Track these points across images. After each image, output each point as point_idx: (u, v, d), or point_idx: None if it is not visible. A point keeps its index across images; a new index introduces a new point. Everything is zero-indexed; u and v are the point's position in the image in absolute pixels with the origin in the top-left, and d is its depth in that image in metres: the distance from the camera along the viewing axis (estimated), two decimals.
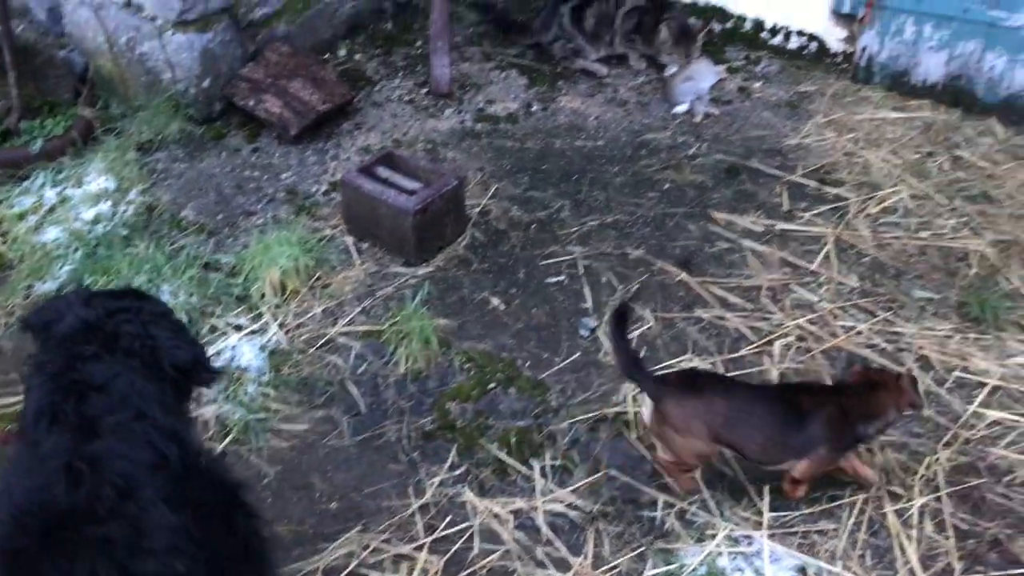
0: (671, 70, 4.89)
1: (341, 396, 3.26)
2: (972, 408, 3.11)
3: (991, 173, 4.19)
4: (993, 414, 3.08)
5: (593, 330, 3.47)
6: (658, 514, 2.85)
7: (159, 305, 2.40)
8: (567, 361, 3.36)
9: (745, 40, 5.24)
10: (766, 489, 2.85)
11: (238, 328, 3.49)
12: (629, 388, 3.22)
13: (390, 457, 3.05)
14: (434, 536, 2.79)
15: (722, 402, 2.68)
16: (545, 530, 2.81)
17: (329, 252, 3.81)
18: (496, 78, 5.05)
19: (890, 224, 3.93)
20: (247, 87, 4.53)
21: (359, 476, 3.00)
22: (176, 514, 1.83)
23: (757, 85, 4.91)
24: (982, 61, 4.50)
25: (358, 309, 3.57)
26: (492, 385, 3.28)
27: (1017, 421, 3.08)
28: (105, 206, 4.08)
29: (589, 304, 3.59)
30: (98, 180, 4.19)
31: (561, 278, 3.72)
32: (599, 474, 2.96)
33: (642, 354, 3.27)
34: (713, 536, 2.75)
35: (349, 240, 3.89)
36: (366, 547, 2.76)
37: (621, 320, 2.78)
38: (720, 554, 2.70)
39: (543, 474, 2.98)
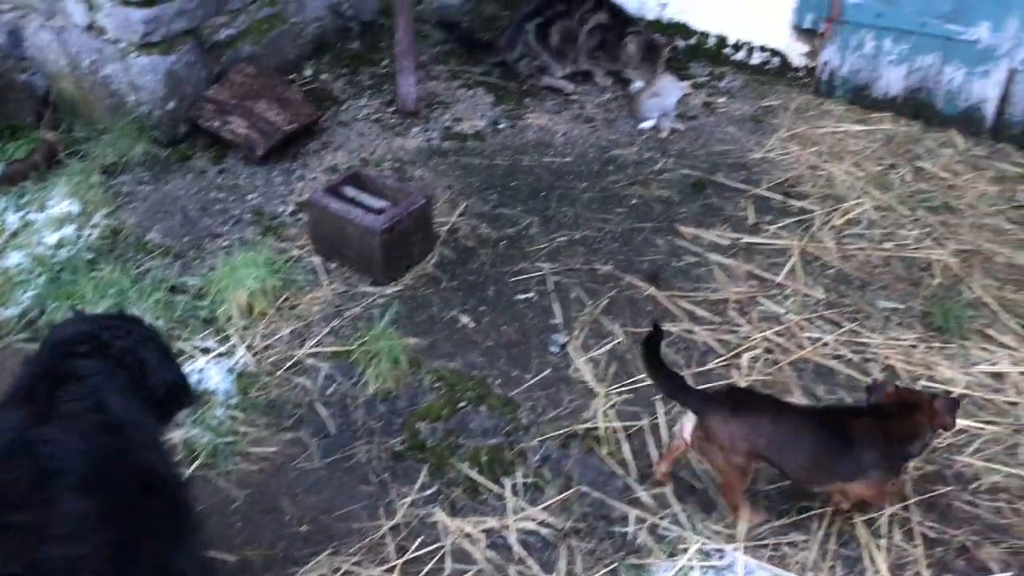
0: (637, 86, 4.93)
1: (310, 418, 3.24)
2: None
3: (952, 184, 4.26)
4: (958, 422, 3.10)
5: (563, 346, 3.48)
6: (630, 529, 2.85)
7: (149, 329, 2.53)
8: (537, 378, 3.37)
9: (709, 56, 5.30)
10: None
11: (205, 351, 3.46)
12: (599, 404, 3.23)
13: (360, 478, 3.03)
14: (406, 557, 2.77)
15: (767, 424, 2.66)
16: (517, 548, 2.80)
17: (296, 273, 3.79)
18: (463, 96, 5.06)
19: (854, 236, 3.97)
20: (212, 108, 4.51)
21: (329, 498, 2.98)
22: (87, 500, 1.90)
23: (721, 100, 4.96)
24: (941, 74, 4.57)
25: (326, 330, 3.55)
26: (462, 404, 3.27)
27: (982, 429, 3.11)
28: (69, 230, 4.04)
29: (559, 320, 3.59)
30: (62, 204, 4.15)
31: (530, 295, 3.73)
32: (570, 491, 2.96)
33: (612, 367, 3.27)
34: (685, 550, 2.75)
35: (316, 260, 3.87)
36: (337, 570, 2.74)
37: (653, 344, 2.76)
38: (692, 568, 2.71)
39: (514, 492, 2.97)
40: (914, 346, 3.43)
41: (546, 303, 3.68)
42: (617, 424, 3.16)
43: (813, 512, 2.84)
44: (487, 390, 3.32)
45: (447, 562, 2.76)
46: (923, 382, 3.27)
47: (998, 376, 3.29)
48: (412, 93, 4.80)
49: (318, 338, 3.52)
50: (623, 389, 3.29)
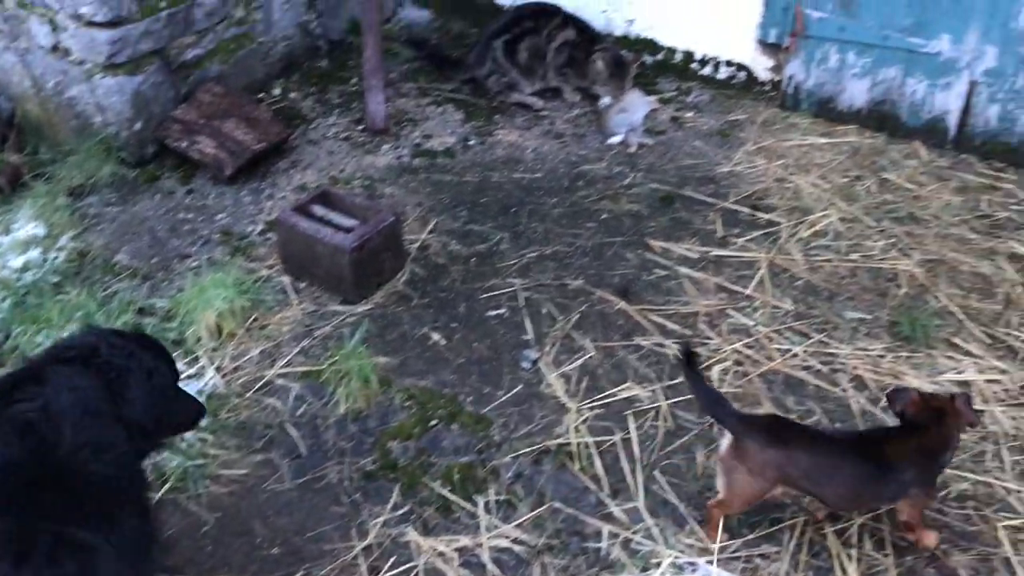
0: (605, 102, 4.96)
1: (281, 439, 3.22)
2: None
3: (917, 194, 4.31)
4: None
5: (535, 362, 3.48)
6: (603, 545, 2.85)
7: (156, 351, 2.51)
8: (509, 394, 3.36)
9: (676, 71, 5.34)
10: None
11: None
12: (571, 419, 3.23)
13: (332, 499, 3.01)
14: None
15: (806, 456, 2.65)
16: (491, 567, 2.79)
17: (266, 293, 3.77)
18: (432, 113, 5.07)
19: (821, 247, 4.01)
20: (180, 128, 4.49)
21: (301, 520, 2.95)
22: None
23: (689, 115, 5.00)
24: (904, 86, 4.64)
25: (296, 350, 3.53)
26: (434, 422, 3.26)
27: None
28: (35, 253, 3.99)
29: (530, 336, 3.59)
30: (27, 227, 4.10)
31: (502, 311, 3.73)
32: (543, 507, 2.96)
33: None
34: (658, 564, 2.75)
35: (286, 280, 3.86)
36: None
37: (691, 362, 2.74)
38: None
39: (487, 510, 2.96)
40: (882, 356, 3.46)
41: (517, 319, 3.68)
42: (589, 439, 3.16)
43: (784, 524, 2.86)
44: (459, 408, 3.31)
45: None
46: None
47: (965, 384, 3.32)
48: (381, 111, 4.80)
49: (288, 358, 3.50)
50: (595, 404, 3.30)
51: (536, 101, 5.13)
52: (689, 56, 5.30)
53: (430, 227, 4.15)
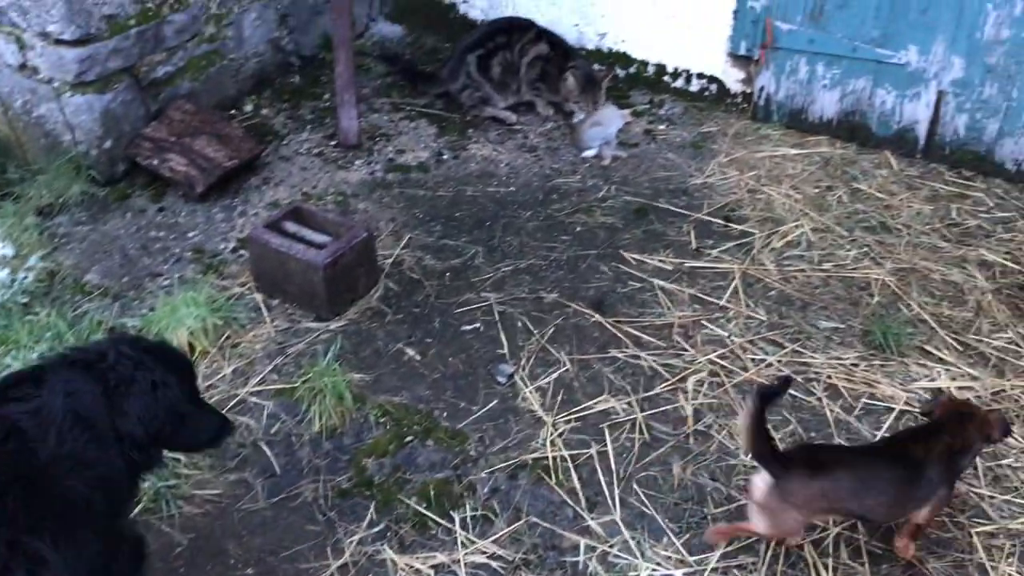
0: (578, 116, 4.97)
1: (254, 458, 3.18)
2: (880, 434, 3.20)
3: (888, 204, 4.35)
4: None
5: (510, 376, 3.47)
6: (581, 559, 2.83)
7: (170, 363, 2.43)
8: (485, 409, 3.35)
9: (648, 84, 5.37)
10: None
11: None
12: (547, 433, 3.23)
13: (307, 518, 2.98)
14: None
15: (846, 476, 2.61)
16: None
17: (238, 311, 3.74)
18: (406, 128, 5.06)
19: (794, 257, 4.03)
20: (150, 146, 4.45)
21: (275, 539, 2.92)
22: None
23: (662, 127, 5.03)
24: (873, 97, 4.69)
25: (269, 367, 3.50)
26: (409, 438, 3.24)
27: None
28: (3, 273, 3.93)
29: (505, 350, 3.58)
30: None
31: (477, 325, 3.72)
32: (520, 522, 2.94)
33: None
34: None
35: (259, 297, 3.83)
36: None
37: (766, 400, 2.59)
38: None
39: (464, 526, 2.94)
40: (855, 364, 3.48)
41: (492, 333, 3.67)
42: (566, 453, 3.16)
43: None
44: (434, 423, 3.29)
45: None
46: (864, 400, 3.32)
47: (938, 391, 3.34)
48: (354, 126, 4.79)
49: (261, 376, 3.47)
50: (571, 417, 3.29)
51: (509, 115, 5.14)
52: (661, 69, 5.33)
53: (404, 242, 4.14)
